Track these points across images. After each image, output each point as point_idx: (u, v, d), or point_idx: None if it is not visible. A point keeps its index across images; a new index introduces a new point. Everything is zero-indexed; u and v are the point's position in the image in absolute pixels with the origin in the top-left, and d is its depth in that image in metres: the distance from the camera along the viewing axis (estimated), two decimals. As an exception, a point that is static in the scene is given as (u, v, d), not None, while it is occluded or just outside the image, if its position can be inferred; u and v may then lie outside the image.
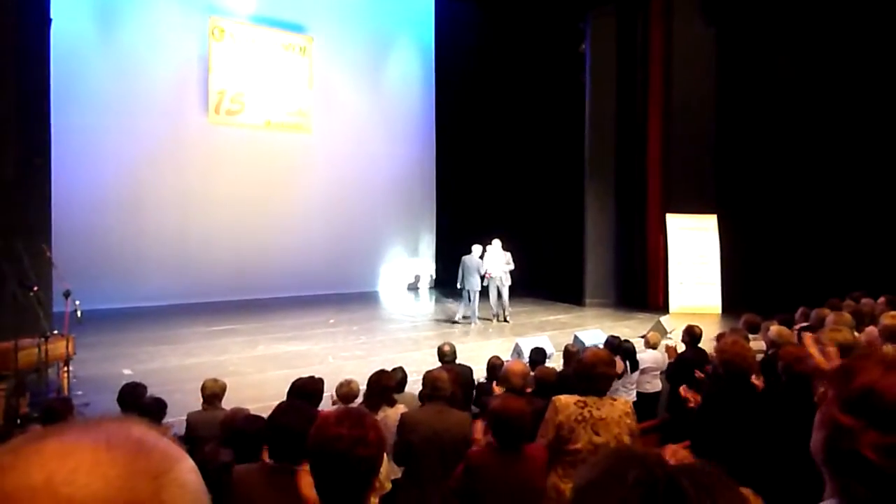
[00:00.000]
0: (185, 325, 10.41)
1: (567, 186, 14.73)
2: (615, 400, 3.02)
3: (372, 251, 15.50)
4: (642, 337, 7.43)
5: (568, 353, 5.86)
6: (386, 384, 4.03)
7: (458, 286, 11.27)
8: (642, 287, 13.22)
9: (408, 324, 11.34)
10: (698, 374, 5.03)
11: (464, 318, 11.20)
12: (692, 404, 3.99)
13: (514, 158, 16.08)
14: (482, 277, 11.23)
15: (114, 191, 12.05)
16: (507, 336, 10.08)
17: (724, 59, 12.70)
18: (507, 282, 11.43)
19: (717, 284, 12.55)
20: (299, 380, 4.22)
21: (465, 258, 11.18)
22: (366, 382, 4.15)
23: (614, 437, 2.90)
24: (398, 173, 15.82)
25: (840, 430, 0.87)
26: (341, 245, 14.72)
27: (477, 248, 11.34)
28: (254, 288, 13.34)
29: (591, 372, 2.97)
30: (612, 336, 6.46)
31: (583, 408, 2.92)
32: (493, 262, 11.37)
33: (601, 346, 6.00)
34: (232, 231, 13.39)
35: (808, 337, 3.47)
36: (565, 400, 2.95)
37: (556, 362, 7.24)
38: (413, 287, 16.13)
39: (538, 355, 5.82)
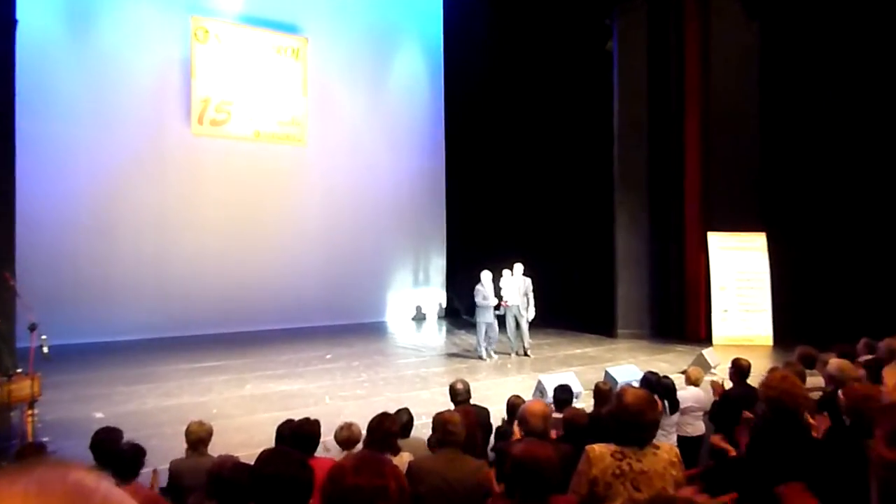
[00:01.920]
0: (164, 362, 10.45)
1: (594, 202, 14.73)
2: (658, 448, 2.91)
3: (375, 277, 15.55)
4: (682, 372, 7.35)
5: (599, 393, 5.80)
6: (388, 429, 3.99)
7: (475, 318, 11.41)
8: (681, 315, 13.17)
9: (415, 359, 11.32)
10: (746, 414, 4.98)
11: (483, 353, 11.25)
12: (733, 454, 3.94)
13: (533, 171, 16.15)
14: (498, 306, 11.29)
15: (85, 211, 12.17)
16: (528, 372, 10.06)
17: (769, 57, 12.73)
18: (527, 312, 11.43)
19: (768, 311, 12.47)
20: (290, 422, 4.20)
21: (479, 288, 11.21)
22: (366, 427, 4.15)
23: (658, 492, 2.82)
24: (404, 189, 15.92)
25: (889, 468, 0.87)
26: (340, 271, 14.78)
27: (486, 276, 11.25)
28: (242, 320, 13.39)
29: (639, 420, 2.84)
30: (650, 372, 6.37)
31: (621, 460, 2.84)
32: (510, 289, 11.38)
33: (636, 384, 5.95)
34: (218, 256, 13.46)
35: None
36: (600, 451, 2.86)
37: (584, 402, 7.23)
38: (419, 317, 16.16)
39: (564, 394, 5.77)
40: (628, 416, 2.85)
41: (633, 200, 13.43)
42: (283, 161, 14.42)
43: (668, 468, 2.86)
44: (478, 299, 11.13)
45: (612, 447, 2.87)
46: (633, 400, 2.89)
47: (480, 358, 11.04)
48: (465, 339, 13.23)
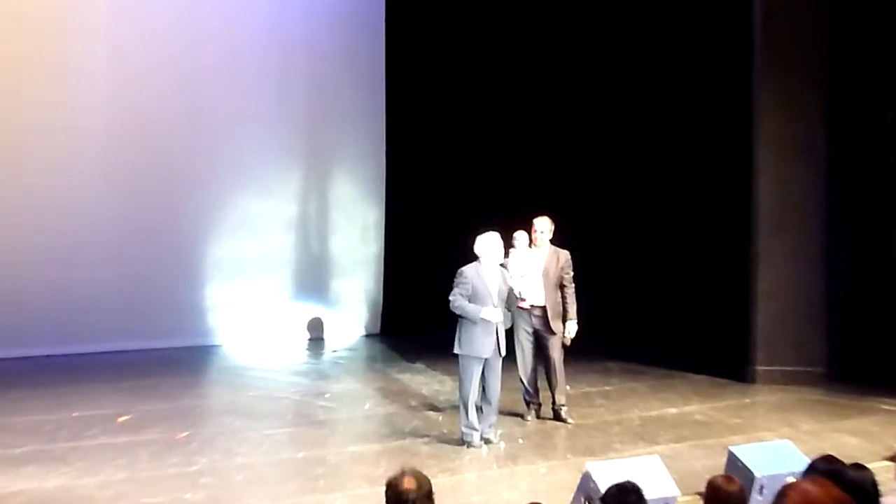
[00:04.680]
0: None
1: (706, 122, 15.07)
2: None
3: (227, 259, 15.85)
4: (893, 458, 7.38)
5: (717, 497, 5.79)
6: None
7: (455, 348, 10.87)
8: (892, 342, 13.31)
9: (312, 425, 11.40)
10: None
11: (471, 432, 10.71)
12: None
13: (575, 55, 16.64)
14: (509, 310, 10.92)
15: None
16: (562, 456, 10.12)
17: None
18: (564, 327, 11.37)
19: None
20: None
21: (468, 272, 10.70)
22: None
23: None
24: (297, 94, 16.28)
25: None
26: (154, 249, 15.09)
27: (489, 244, 10.50)
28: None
29: None
30: (826, 458, 6.37)
31: None
32: (527, 274, 11.27)
33: (801, 479, 5.92)
34: None
35: None
36: None
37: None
38: (319, 338, 16.43)
39: (633, 499, 5.74)
40: None
41: (792, 118, 13.58)
42: (39, 25, 14.48)
43: None
44: (457, 303, 10.30)
45: None
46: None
47: (467, 443, 10.58)
48: (421, 381, 13.45)
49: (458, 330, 10.38)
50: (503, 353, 10.44)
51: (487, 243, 10.38)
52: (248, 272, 15.93)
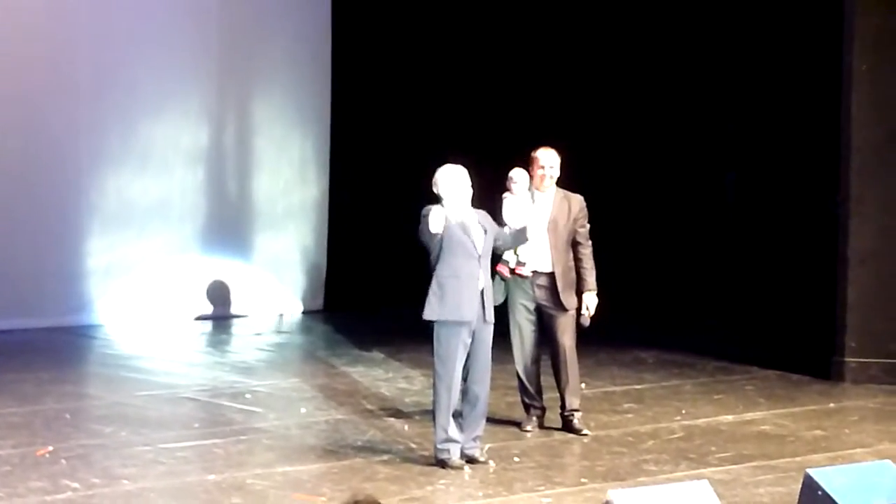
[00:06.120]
0: None
1: (779, 19, 15.40)
2: None
3: (106, 206, 15.88)
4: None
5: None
6: None
7: (425, 313, 10.80)
8: None
9: (225, 434, 11.47)
10: None
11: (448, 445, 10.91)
12: None
13: None
14: (500, 278, 11.13)
15: None
16: (574, 480, 10.14)
17: None
18: (576, 303, 11.47)
19: None
20: None
21: (432, 215, 10.55)
22: None
23: None
24: None
25: None
26: (7, 192, 15.11)
27: (452, 179, 10.35)
28: None
29: None
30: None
31: None
32: (526, 224, 11.11)
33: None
34: None
35: None
36: None
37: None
38: (230, 316, 16.60)
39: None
40: None
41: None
42: None
43: None
44: (435, 225, 10.00)
45: None
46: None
47: (441, 461, 10.64)
48: (380, 376, 13.66)
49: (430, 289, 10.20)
50: (490, 318, 10.25)
51: (449, 177, 10.22)
52: (138, 224, 15.92)
